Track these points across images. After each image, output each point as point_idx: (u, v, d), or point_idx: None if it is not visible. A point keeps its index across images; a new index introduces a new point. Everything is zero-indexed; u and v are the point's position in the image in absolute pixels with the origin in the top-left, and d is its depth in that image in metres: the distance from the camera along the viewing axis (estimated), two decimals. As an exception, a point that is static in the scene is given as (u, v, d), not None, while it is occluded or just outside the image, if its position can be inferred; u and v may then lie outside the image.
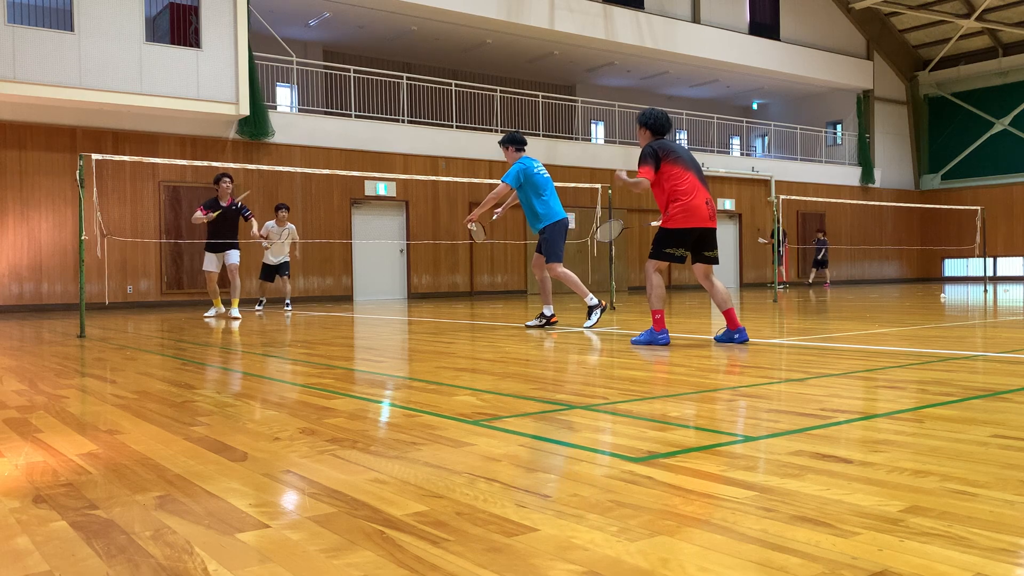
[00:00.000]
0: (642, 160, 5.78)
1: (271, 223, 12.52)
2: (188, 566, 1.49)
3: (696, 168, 5.86)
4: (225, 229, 10.65)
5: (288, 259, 12.62)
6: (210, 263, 10.80)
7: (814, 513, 1.72)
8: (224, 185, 10.53)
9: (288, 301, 12.79)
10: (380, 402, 3.54)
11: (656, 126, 5.98)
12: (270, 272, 12.59)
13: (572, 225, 11.89)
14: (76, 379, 4.44)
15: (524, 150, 7.99)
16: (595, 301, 7.66)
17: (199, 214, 10.50)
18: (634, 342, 5.83)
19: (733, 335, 5.74)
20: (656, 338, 5.70)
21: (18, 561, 1.54)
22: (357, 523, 1.73)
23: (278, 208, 12.52)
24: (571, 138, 22.05)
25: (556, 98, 22.15)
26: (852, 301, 13.09)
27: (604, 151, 21.80)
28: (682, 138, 26.54)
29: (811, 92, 27.24)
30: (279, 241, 12.37)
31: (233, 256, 10.75)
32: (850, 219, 26.94)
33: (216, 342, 6.98)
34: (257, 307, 12.82)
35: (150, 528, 1.72)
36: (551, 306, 7.90)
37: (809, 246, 25.49)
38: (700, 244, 5.81)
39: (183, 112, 14.90)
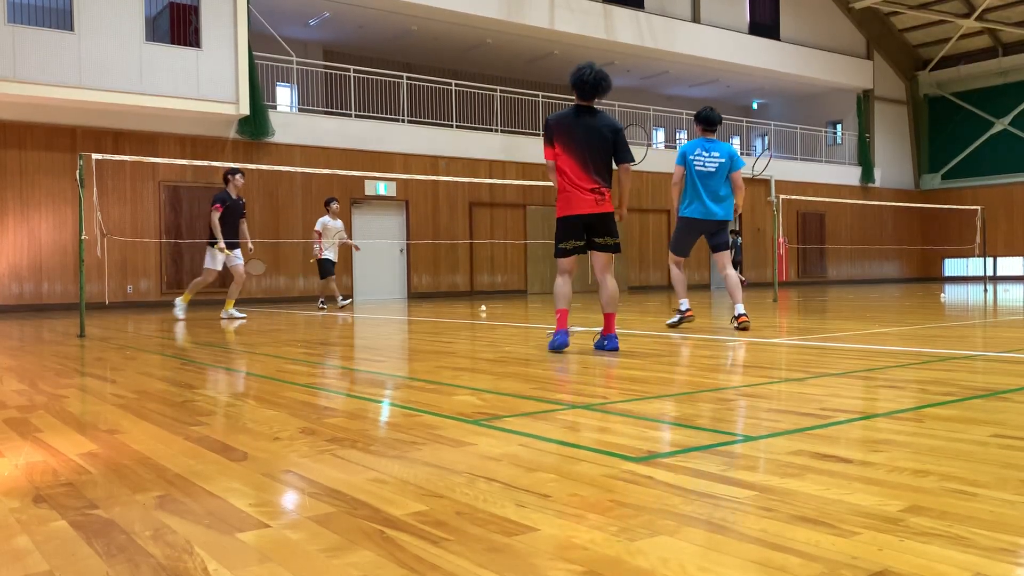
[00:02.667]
0: (544, 139, 5.32)
1: (326, 218, 12.27)
2: (188, 566, 1.49)
3: (587, 147, 5.24)
4: (236, 226, 10.39)
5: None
6: (218, 262, 10.29)
7: (814, 513, 1.72)
8: (239, 180, 10.34)
9: (324, 300, 12.64)
10: (380, 402, 3.54)
11: (578, 86, 5.24)
12: (331, 267, 12.37)
13: None
14: (76, 379, 4.44)
15: (705, 129, 7.24)
16: (685, 306, 7.27)
17: (216, 215, 10.11)
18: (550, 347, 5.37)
19: (603, 341, 5.36)
20: (555, 340, 5.26)
21: (18, 561, 1.54)
22: (357, 523, 1.73)
23: (329, 201, 12.32)
24: (571, 138, 22.01)
25: (556, 98, 22.14)
26: (852, 301, 13.09)
27: (604, 151, 21.76)
28: (682, 138, 26.54)
29: (811, 92, 27.23)
30: (333, 241, 12.13)
31: (241, 257, 10.47)
32: (850, 219, 26.93)
33: (216, 342, 6.98)
34: (342, 301, 12.48)
35: (150, 528, 1.72)
36: (685, 300, 7.43)
37: (808, 246, 25.48)
38: (589, 232, 5.34)
39: (183, 112, 14.90)
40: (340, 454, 2.40)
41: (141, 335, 7.96)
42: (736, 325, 6.89)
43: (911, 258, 29.00)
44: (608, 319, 5.41)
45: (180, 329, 8.70)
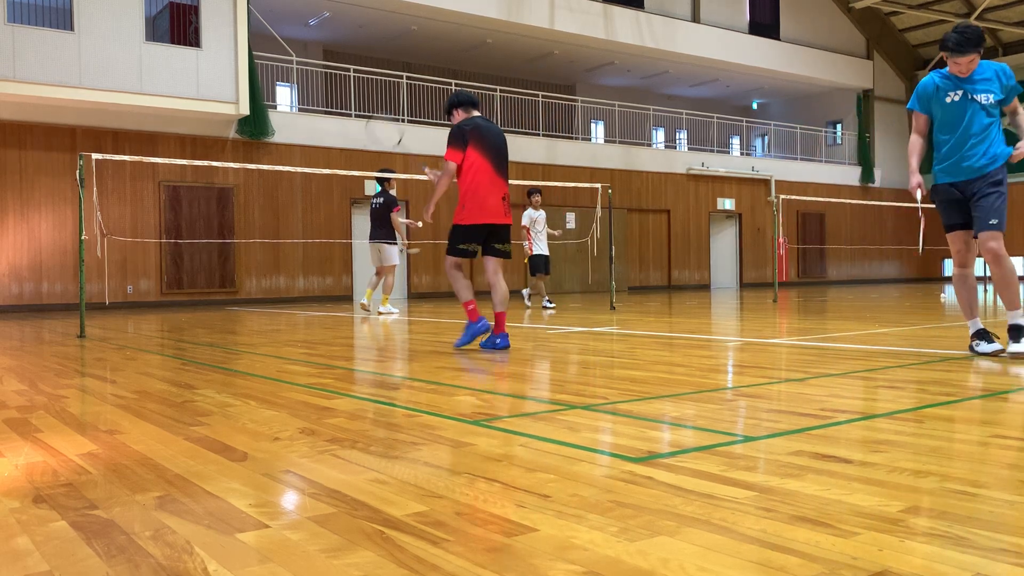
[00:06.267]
0: (451, 141, 5.56)
1: (530, 210, 11.65)
2: (188, 566, 1.49)
3: (499, 156, 5.62)
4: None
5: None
6: (395, 256, 10.94)
7: (814, 513, 1.72)
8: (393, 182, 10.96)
9: (548, 298, 11.90)
10: (380, 402, 3.54)
11: (468, 102, 5.71)
12: (543, 263, 11.71)
13: (571, 224, 11.64)
14: (76, 379, 4.44)
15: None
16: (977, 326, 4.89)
17: (398, 214, 10.72)
18: (458, 345, 5.72)
19: (496, 340, 5.56)
20: (476, 328, 5.63)
21: (18, 561, 1.54)
22: (357, 523, 1.73)
23: (531, 192, 11.65)
24: (571, 138, 22.04)
25: (556, 98, 22.16)
26: (852, 301, 13.09)
27: (604, 151, 21.80)
28: (682, 138, 26.51)
29: (811, 92, 27.24)
30: (541, 232, 11.59)
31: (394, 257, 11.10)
32: (850, 219, 26.93)
33: (216, 342, 6.98)
34: (548, 303, 11.84)
35: (150, 528, 1.72)
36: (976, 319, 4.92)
37: (808, 246, 25.47)
38: (491, 238, 5.67)
39: (183, 112, 14.90)
40: (340, 454, 2.40)
41: (141, 335, 7.96)
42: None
43: (911, 258, 29.00)
44: (500, 318, 5.67)
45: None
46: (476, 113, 5.73)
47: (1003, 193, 4.69)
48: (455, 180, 5.68)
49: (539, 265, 11.69)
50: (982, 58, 4.71)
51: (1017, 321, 4.63)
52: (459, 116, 5.73)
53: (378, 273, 11.00)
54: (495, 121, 20.00)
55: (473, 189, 5.51)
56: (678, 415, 2.99)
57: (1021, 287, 4.65)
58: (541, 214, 11.76)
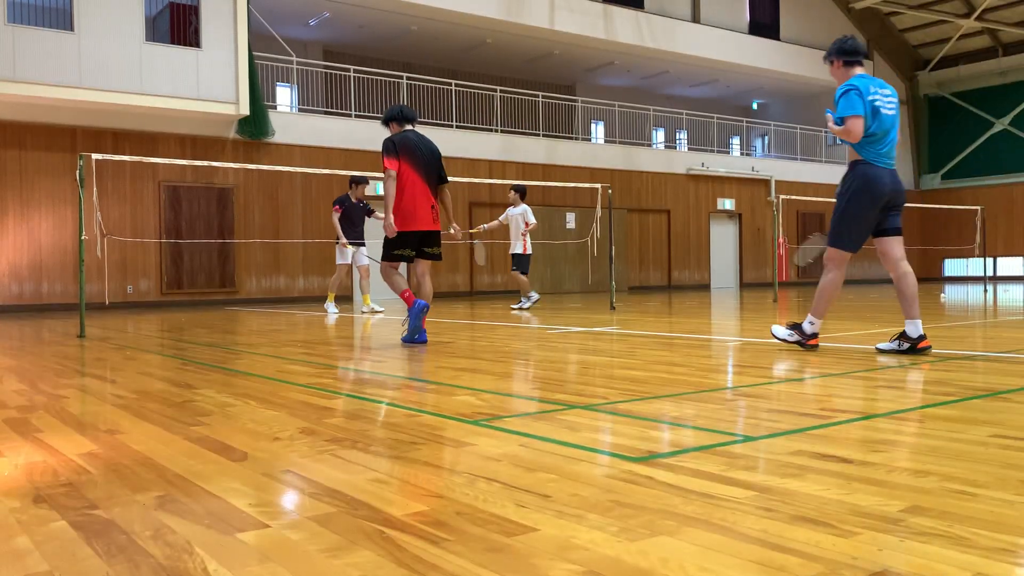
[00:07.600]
0: (385, 152, 6.08)
1: (510, 207, 11.64)
2: (188, 566, 1.49)
3: (428, 169, 6.11)
4: (358, 227, 11.30)
5: (520, 251, 11.44)
6: (346, 257, 11.27)
7: (814, 513, 1.72)
8: (358, 188, 11.22)
9: (524, 299, 11.60)
10: (380, 402, 3.54)
11: (401, 116, 6.26)
12: (518, 262, 11.57)
13: (571, 224, 11.61)
14: (76, 379, 4.44)
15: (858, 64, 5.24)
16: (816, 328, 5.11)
17: (336, 215, 11.11)
18: (410, 329, 6.09)
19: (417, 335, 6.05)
20: (416, 310, 6.00)
21: (18, 561, 1.54)
22: (357, 523, 1.73)
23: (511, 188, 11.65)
24: (571, 138, 22.04)
25: (556, 98, 22.15)
26: (852, 301, 13.09)
27: (604, 151, 21.80)
28: (682, 138, 26.52)
29: (811, 92, 27.22)
30: (518, 231, 11.37)
31: (362, 258, 11.45)
32: (850, 219, 26.93)
33: (216, 342, 6.97)
34: (515, 304, 11.85)
35: (150, 528, 1.72)
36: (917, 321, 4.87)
37: (808, 247, 25.47)
38: (422, 243, 6.21)
39: (183, 112, 14.89)
40: (340, 454, 2.40)
41: (141, 335, 7.96)
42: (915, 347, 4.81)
43: (911, 258, 28.50)
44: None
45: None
46: (409, 127, 6.26)
47: (839, 204, 5.45)
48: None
49: (514, 263, 11.73)
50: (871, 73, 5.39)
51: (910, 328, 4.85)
52: (393, 129, 6.29)
53: (362, 275, 11.49)
54: (495, 121, 20.14)
55: (405, 199, 6.05)
56: (678, 415, 2.99)
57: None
58: (518, 211, 11.53)
